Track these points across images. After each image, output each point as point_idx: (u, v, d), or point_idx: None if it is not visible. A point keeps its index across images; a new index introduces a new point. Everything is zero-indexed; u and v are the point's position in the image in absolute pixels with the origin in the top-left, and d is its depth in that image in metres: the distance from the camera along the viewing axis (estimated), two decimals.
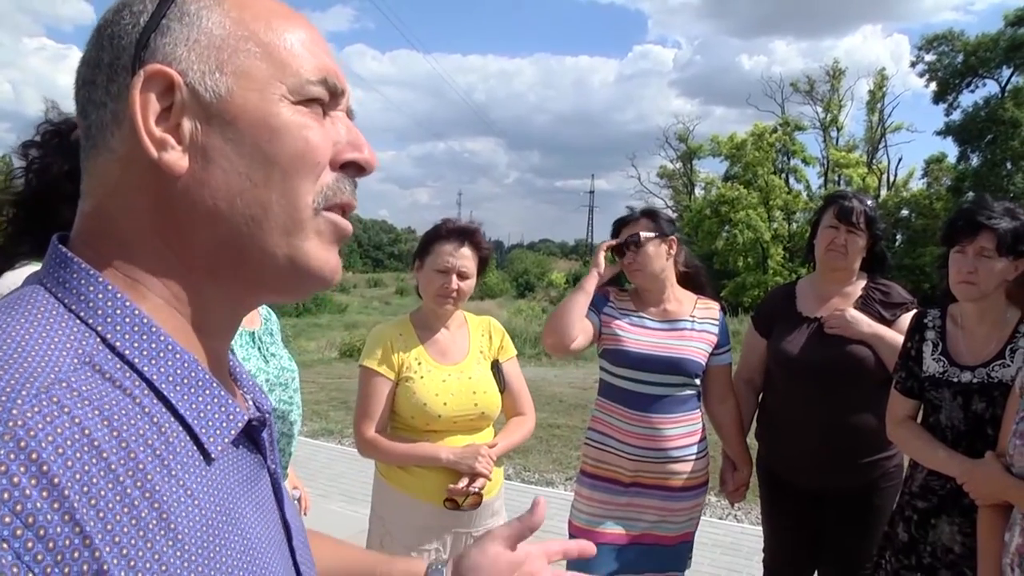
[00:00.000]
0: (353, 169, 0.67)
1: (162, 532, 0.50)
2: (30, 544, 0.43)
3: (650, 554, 2.74)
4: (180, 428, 0.56)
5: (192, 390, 0.58)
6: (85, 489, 0.46)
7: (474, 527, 2.55)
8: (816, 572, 2.89)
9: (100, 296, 0.57)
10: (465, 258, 2.55)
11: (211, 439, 0.58)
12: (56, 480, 0.45)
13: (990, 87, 31.19)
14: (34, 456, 0.45)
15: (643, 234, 2.71)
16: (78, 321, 0.55)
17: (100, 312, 0.56)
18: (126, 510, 0.48)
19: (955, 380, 2.27)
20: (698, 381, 2.78)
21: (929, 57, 32.16)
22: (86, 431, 0.48)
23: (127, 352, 0.55)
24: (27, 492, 0.44)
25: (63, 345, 0.52)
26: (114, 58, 0.60)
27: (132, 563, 0.48)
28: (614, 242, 2.80)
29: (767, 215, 33.63)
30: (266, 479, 0.70)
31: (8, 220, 0.77)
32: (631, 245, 2.72)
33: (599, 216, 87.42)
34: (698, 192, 40.69)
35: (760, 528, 3.06)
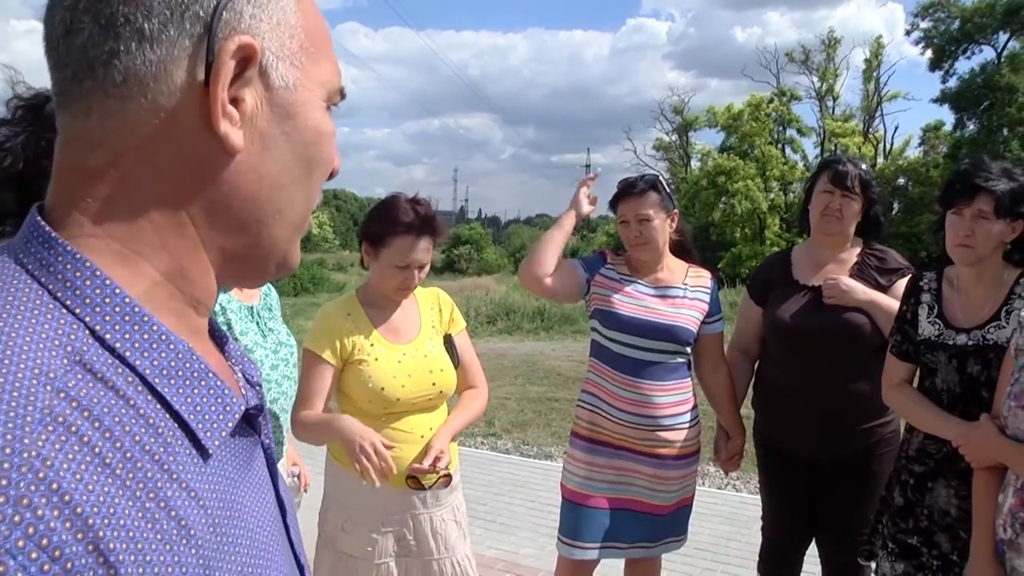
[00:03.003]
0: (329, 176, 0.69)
1: (184, 540, 0.49)
2: None
3: (645, 523, 2.76)
4: (175, 425, 0.53)
5: (187, 382, 0.55)
6: (110, 511, 0.45)
7: (434, 508, 2.46)
8: (814, 539, 2.89)
9: (88, 283, 0.53)
10: (425, 251, 2.41)
11: (208, 434, 0.55)
12: (80, 509, 0.43)
13: (986, 53, 31.08)
14: (55, 486, 0.43)
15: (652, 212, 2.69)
16: (65, 311, 0.52)
17: (88, 301, 0.52)
18: (150, 525, 0.47)
19: (950, 343, 2.26)
20: (689, 350, 2.77)
21: (925, 24, 31.97)
22: (96, 449, 0.46)
23: (118, 345, 0.52)
24: (52, 525, 0.42)
25: (52, 342, 0.49)
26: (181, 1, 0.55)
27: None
28: (591, 178, 2.90)
29: (764, 186, 33.60)
30: (261, 457, 0.68)
31: None
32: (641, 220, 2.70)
33: (596, 190, 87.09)
34: (694, 164, 40.61)
35: (759, 497, 3.07)
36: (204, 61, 0.54)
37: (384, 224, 2.41)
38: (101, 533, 0.44)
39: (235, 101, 0.56)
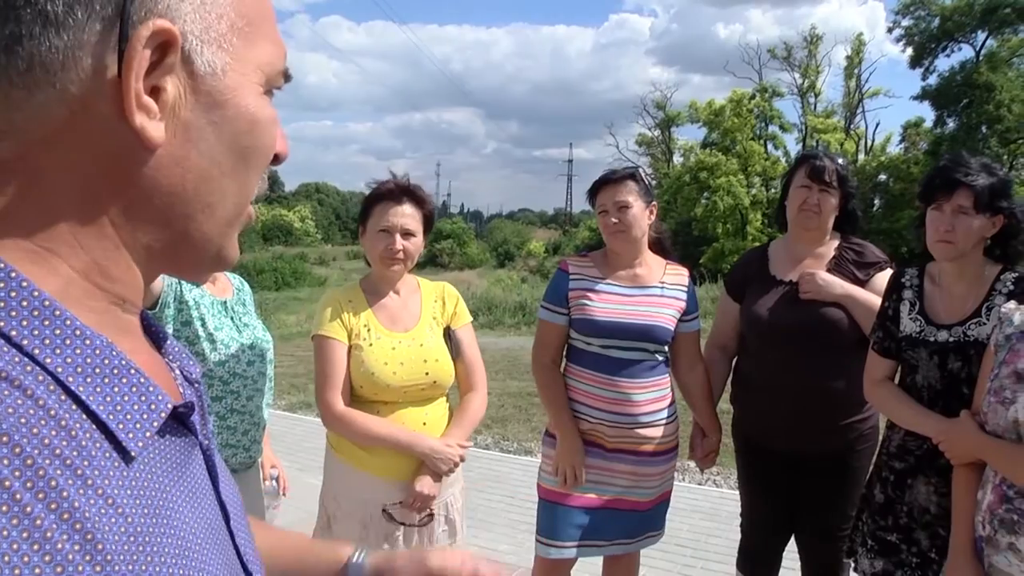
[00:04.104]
0: (274, 160, 0.63)
1: (87, 558, 0.44)
2: None
3: (624, 519, 2.74)
4: (93, 427, 0.49)
5: (106, 379, 0.51)
6: None
7: (434, 505, 2.48)
8: (793, 535, 2.89)
9: None
10: (407, 216, 2.44)
11: (130, 435, 0.51)
12: None
13: (966, 51, 31.35)
14: None
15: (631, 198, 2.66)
16: None
17: None
18: (36, 547, 0.42)
19: (931, 339, 2.25)
20: (667, 348, 2.75)
21: (906, 22, 32.16)
22: None
23: (25, 342, 0.48)
24: None
25: None
26: None
27: None
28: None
29: (746, 181, 33.73)
30: (198, 459, 0.63)
31: None
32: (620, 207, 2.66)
33: (578, 184, 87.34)
34: (677, 159, 40.72)
35: (738, 493, 3.06)
36: (114, 47, 0.49)
37: (369, 198, 2.51)
38: None
39: (155, 91, 0.51)
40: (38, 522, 0.42)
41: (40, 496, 0.43)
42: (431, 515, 2.46)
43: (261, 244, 47.44)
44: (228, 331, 2.42)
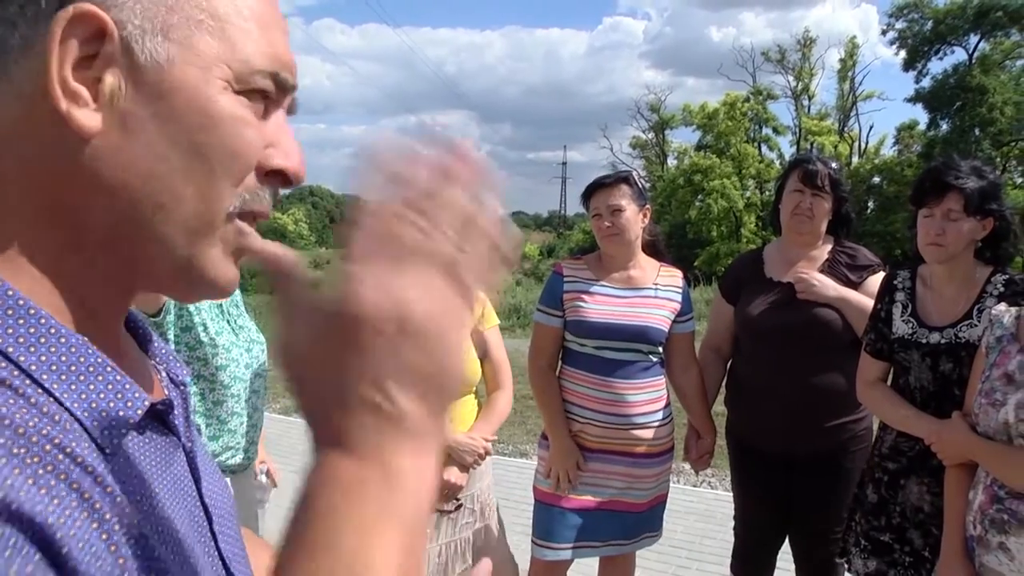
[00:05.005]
0: (279, 179, 0.59)
1: (96, 504, 0.46)
2: None
3: (620, 520, 2.75)
4: (71, 419, 0.49)
5: (81, 377, 0.51)
6: (7, 482, 0.41)
7: (463, 495, 2.59)
8: (788, 536, 2.90)
9: None
10: None
11: (105, 432, 0.51)
12: None
13: (959, 54, 31.50)
14: None
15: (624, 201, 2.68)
16: None
17: None
18: (57, 502, 0.44)
19: (923, 341, 2.27)
20: (661, 349, 2.76)
21: (899, 25, 32.32)
22: None
23: None
24: None
25: None
26: None
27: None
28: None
29: (740, 184, 33.80)
30: (181, 459, 0.63)
31: None
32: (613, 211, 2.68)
33: (572, 187, 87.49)
34: (671, 162, 40.81)
35: (732, 494, 3.07)
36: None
37: None
38: (10, 502, 0.41)
39: (93, 80, 0.51)
40: (51, 481, 0.44)
41: (48, 466, 0.44)
42: (459, 504, 2.57)
43: None
44: (227, 335, 2.43)
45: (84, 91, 0.50)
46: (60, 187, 0.52)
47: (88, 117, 0.50)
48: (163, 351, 0.69)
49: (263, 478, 2.74)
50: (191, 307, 2.35)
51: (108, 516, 0.47)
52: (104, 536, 0.46)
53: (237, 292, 2.67)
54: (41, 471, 0.43)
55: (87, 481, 0.46)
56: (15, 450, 0.43)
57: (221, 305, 2.49)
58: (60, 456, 0.45)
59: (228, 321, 2.49)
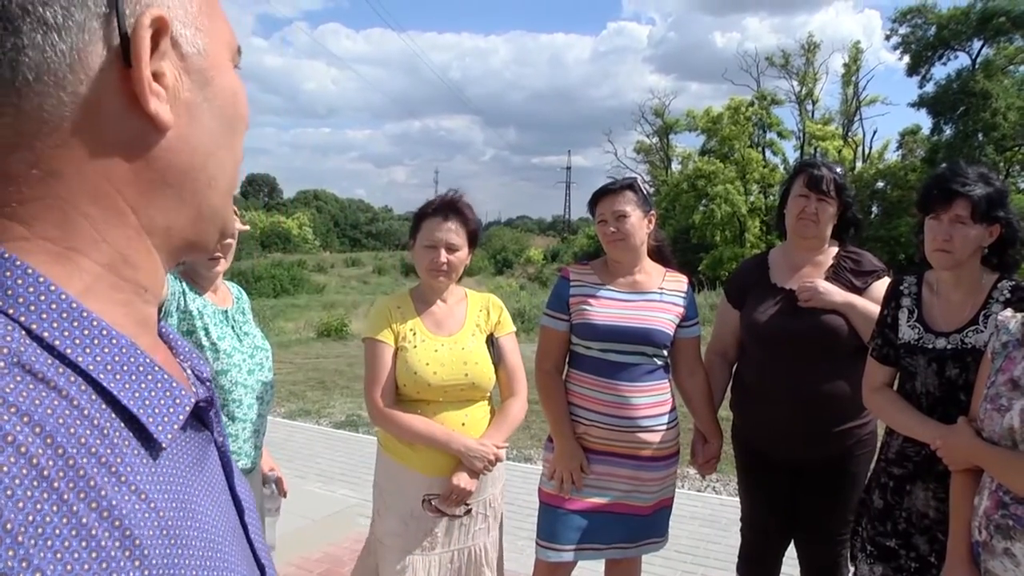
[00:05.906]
0: None
1: (127, 554, 0.46)
2: None
3: (624, 523, 2.75)
4: (122, 425, 0.51)
5: (133, 377, 0.53)
6: (39, 531, 0.42)
7: (473, 500, 2.60)
8: (793, 540, 2.90)
9: (20, 282, 0.50)
10: (451, 231, 2.60)
11: (159, 427, 0.53)
12: (9, 526, 0.41)
13: (962, 59, 31.52)
14: None
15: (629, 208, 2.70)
16: None
17: (22, 300, 0.49)
18: (84, 544, 0.44)
19: (930, 347, 2.27)
20: (666, 353, 2.77)
21: (903, 30, 32.34)
22: (33, 460, 0.43)
23: (58, 343, 0.49)
24: None
25: None
26: None
27: None
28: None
29: (744, 189, 33.82)
30: (214, 455, 0.66)
31: None
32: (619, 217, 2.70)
33: (576, 192, 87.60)
34: (675, 167, 40.83)
35: (738, 499, 3.07)
36: (115, 41, 0.52)
37: (418, 214, 2.70)
38: (31, 551, 0.41)
39: (156, 76, 0.54)
40: (83, 520, 0.45)
41: (82, 496, 0.45)
42: (469, 509, 2.58)
43: (259, 251, 47.40)
44: (230, 340, 2.46)
45: (162, 89, 0.54)
46: (127, 181, 0.55)
47: (166, 112, 0.54)
48: (186, 348, 0.70)
49: (272, 487, 2.75)
50: (194, 311, 2.37)
51: (144, 541, 0.48)
52: (137, 564, 0.47)
53: (246, 300, 2.70)
54: (78, 508, 0.45)
55: (130, 503, 0.48)
56: (54, 483, 0.44)
57: (226, 311, 2.51)
58: (105, 478, 0.47)
59: (233, 327, 2.51)
